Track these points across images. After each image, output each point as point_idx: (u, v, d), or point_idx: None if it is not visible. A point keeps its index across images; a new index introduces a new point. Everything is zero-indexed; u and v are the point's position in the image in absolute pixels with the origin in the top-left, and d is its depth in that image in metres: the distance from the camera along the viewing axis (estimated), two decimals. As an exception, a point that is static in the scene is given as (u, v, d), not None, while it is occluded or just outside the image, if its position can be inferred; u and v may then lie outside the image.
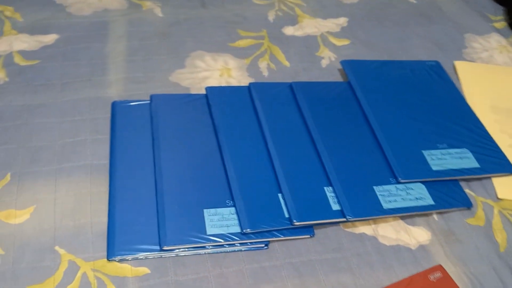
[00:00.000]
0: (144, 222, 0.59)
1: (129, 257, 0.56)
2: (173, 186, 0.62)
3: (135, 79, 0.79)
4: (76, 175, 0.64)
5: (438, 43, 0.93)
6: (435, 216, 0.65)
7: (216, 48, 0.86)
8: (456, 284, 0.57)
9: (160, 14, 0.93)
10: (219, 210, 0.60)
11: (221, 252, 0.59)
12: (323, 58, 0.87)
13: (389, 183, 0.66)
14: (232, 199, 0.61)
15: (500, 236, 0.64)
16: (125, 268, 0.56)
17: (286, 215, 0.60)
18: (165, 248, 0.56)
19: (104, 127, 0.71)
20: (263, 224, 0.59)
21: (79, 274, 0.55)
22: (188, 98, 0.74)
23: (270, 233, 0.59)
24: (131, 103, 0.73)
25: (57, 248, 0.57)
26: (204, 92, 0.76)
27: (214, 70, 0.82)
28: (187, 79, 0.80)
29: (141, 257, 0.57)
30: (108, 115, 0.72)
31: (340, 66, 0.85)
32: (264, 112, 0.71)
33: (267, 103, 0.73)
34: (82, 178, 0.64)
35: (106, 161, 0.66)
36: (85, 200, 0.62)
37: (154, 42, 0.86)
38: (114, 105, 0.73)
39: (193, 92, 0.77)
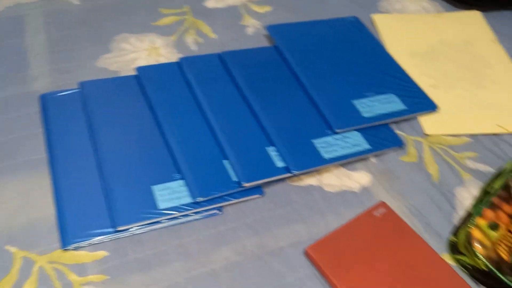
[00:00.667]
0: (93, 207, 0.59)
1: (84, 243, 0.56)
2: (117, 167, 0.62)
3: (61, 69, 0.77)
4: (17, 173, 0.63)
5: (354, 0, 0.97)
6: (372, 159, 0.70)
7: (140, 29, 0.85)
8: (398, 216, 0.61)
9: (76, 2, 0.90)
10: (168, 184, 0.61)
11: (177, 224, 0.60)
12: (248, 26, 0.89)
13: (327, 135, 0.69)
14: (179, 172, 0.62)
15: (432, 168, 0.69)
16: (82, 255, 0.56)
17: (234, 179, 0.62)
18: (119, 228, 0.57)
19: (36, 121, 0.69)
20: (213, 191, 0.60)
21: (35, 268, 0.54)
22: (119, 81, 0.73)
23: (221, 198, 0.61)
24: (60, 94, 0.71)
25: (7, 247, 0.56)
26: (134, 73, 0.76)
27: (142, 51, 0.81)
28: (115, 63, 0.79)
29: (97, 242, 0.57)
30: (38, 109, 0.70)
31: (265, 32, 0.87)
32: (198, 84, 0.72)
33: (199, 75, 0.74)
34: (23, 175, 0.62)
35: (44, 155, 0.65)
36: (30, 195, 0.60)
37: (74, 31, 0.84)
38: (43, 98, 0.71)
39: (123, 75, 0.76)
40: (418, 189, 0.66)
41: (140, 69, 0.74)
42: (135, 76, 0.74)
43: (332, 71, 0.78)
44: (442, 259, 0.58)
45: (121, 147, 0.64)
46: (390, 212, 0.62)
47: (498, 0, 0.94)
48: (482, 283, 0.58)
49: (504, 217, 0.60)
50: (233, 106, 0.70)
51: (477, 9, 0.95)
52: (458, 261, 0.59)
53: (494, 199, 0.61)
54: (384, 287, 0.55)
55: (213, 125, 0.67)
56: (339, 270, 0.56)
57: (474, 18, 0.93)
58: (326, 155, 0.66)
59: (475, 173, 0.69)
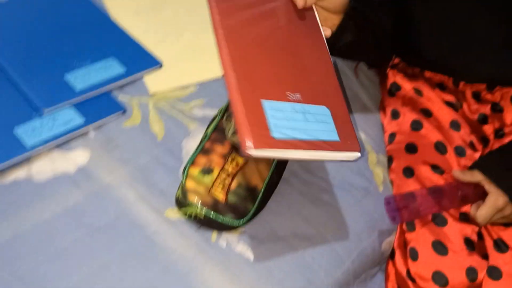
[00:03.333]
0: None
1: None
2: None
3: None
4: None
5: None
6: (92, 133, 0.64)
7: None
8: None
9: None
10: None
11: None
12: None
13: (32, 118, 0.61)
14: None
15: (157, 127, 0.66)
16: None
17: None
18: None
19: None
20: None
21: None
22: None
23: None
24: None
25: None
26: None
27: None
28: None
29: None
30: None
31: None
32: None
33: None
34: None
35: None
36: None
37: None
38: None
39: None
40: (141, 152, 0.63)
41: None
42: None
43: (42, 47, 0.70)
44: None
45: None
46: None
47: None
48: (211, 228, 0.57)
49: (217, 159, 0.58)
50: None
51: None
52: (185, 213, 0.57)
53: (207, 144, 0.60)
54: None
55: None
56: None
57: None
58: (30, 142, 0.59)
59: (201, 120, 0.67)
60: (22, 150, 0.58)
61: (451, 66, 0.68)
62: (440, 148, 0.67)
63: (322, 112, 0.47)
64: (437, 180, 0.64)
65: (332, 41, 0.56)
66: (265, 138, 0.42)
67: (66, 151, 0.62)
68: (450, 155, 0.66)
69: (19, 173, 0.59)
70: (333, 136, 0.46)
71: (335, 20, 0.58)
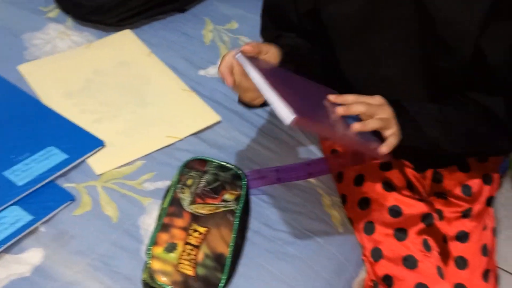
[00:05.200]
0: None
1: None
2: None
3: None
4: None
5: (-3, 55, 0.87)
6: (42, 229, 0.61)
7: None
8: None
9: None
10: None
11: None
12: None
13: (-25, 225, 0.58)
14: None
15: (110, 209, 0.64)
16: None
17: None
18: None
19: None
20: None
21: None
22: None
23: None
24: None
25: None
26: None
27: None
28: None
29: None
30: None
31: None
32: None
33: None
34: None
35: None
36: None
37: None
38: None
39: None
40: (98, 240, 0.61)
41: None
42: None
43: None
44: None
45: None
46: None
47: (141, 13, 0.94)
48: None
49: (178, 233, 0.58)
50: None
51: (129, 28, 0.94)
52: (154, 297, 0.55)
53: (165, 219, 0.59)
54: None
55: None
56: None
57: (126, 38, 0.92)
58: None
59: (154, 193, 0.66)
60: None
61: None
62: (385, 166, 0.69)
63: None
64: (390, 195, 0.66)
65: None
66: None
67: (18, 253, 0.59)
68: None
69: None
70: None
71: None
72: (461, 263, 0.66)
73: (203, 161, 0.67)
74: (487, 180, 0.69)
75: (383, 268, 0.63)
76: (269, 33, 0.69)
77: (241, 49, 0.51)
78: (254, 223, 0.65)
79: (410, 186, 0.67)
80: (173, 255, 0.56)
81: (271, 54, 0.55)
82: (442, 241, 0.66)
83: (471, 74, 0.57)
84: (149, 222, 0.63)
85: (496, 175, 0.70)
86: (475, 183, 0.68)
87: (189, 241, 0.57)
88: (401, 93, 0.58)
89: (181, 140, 0.74)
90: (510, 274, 1.00)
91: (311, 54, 0.65)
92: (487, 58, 0.55)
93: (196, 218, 0.59)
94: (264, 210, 0.67)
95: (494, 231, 0.69)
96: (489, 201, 0.69)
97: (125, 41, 0.91)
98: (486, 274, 0.66)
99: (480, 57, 0.55)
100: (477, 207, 0.68)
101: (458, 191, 0.69)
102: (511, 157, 1.11)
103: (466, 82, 0.58)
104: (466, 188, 0.68)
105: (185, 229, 0.58)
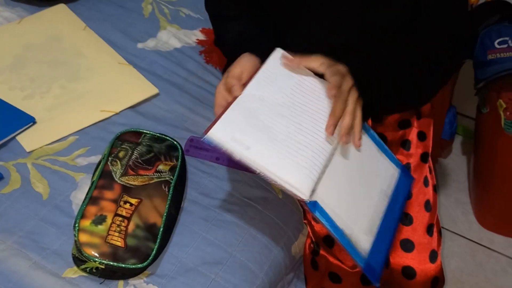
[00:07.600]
0: None
1: None
2: None
3: None
4: None
5: None
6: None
7: None
8: None
9: None
10: None
11: None
12: None
13: None
14: None
15: (41, 186, 0.62)
16: None
17: None
18: None
19: None
20: None
21: None
22: None
23: None
24: None
25: None
26: None
27: None
28: None
29: None
30: None
31: None
32: None
33: None
34: None
35: None
36: None
37: None
38: None
39: None
40: (26, 217, 0.59)
41: None
42: None
43: None
44: None
45: None
46: None
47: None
48: (116, 277, 0.55)
49: (108, 205, 0.56)
50: None
51: (63, 2, 0.90)
52: (84, 270, 0.54)
53: (94, 192, 0.57)
54: None
55: None
56: None
57: (60, 12, 0.88)
58: None
59: (88, 168, 0.65)
60: None
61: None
62: None
63: None
64: None
65: None
66: None
67: None
68: None
69: None
70: None
71: None
72: (405, 219, 0.66)
73: (137, 133, 0.65)
74: (421, 136, 0.70)
75: (325, 228, 0.63)
76: (213, 4, 0.67)
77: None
78: (191, 193, 0.64)
79: None
80: (101, 227, 0.54)
81: (248, 69, 0.54)
82: None
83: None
84: (81, 197, 0.61)
85: (430, 132, 0.70)
86: (413, 139, 0.69)
87: (119, 212, 0.56)
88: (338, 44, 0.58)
89: (117, 114, 0.72)
90: (458, 235, 1.03)
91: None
92: None
93: (127, 190, 0.58)
94: (202, 180, 0.66)
95: (435, 188, 0.70)
96: (425, 157, 0.69)
97: (59, 15, 0.88)
98: (430, 229, 0.67)
99: None
100: (414, 162, 0.69)
101: (398, 145, 0.69)
102: (459, 122, 1.13)
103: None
104: (407, 143, 0.69)
105: (115, 201, 0.57)
